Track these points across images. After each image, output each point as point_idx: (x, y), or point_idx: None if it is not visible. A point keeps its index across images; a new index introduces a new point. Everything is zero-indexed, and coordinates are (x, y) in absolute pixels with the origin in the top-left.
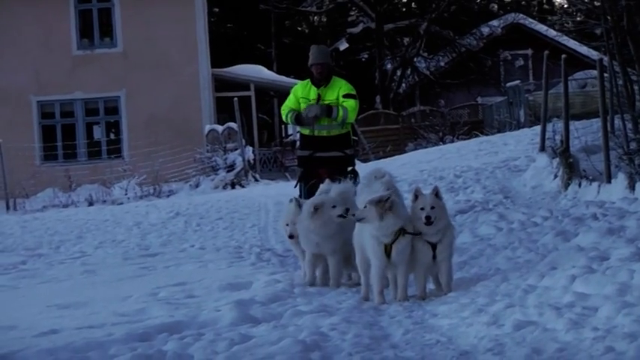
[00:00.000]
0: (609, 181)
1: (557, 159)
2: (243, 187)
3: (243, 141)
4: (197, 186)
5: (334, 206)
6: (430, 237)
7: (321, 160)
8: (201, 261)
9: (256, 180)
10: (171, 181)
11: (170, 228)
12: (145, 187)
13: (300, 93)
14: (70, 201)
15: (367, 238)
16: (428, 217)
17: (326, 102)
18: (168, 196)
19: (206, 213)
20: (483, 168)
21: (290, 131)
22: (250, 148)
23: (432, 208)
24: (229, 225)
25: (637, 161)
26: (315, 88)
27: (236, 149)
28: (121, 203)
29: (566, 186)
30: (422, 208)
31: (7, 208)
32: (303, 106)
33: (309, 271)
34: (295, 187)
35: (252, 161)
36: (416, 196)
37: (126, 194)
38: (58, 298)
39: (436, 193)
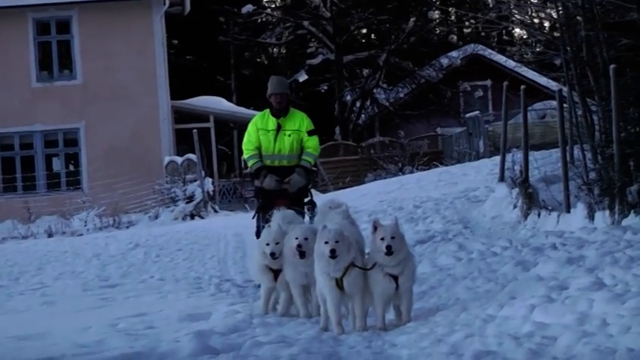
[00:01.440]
0: (568, 211)
1: (517, 189)
2: (202, 218)
3: (203, 172)
4: (156, 217)
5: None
6: (392, 269)
7: (280, 191)
8: (161, 292)
9: (215, 211)
10: (131, 213)
11: (129, 259)
12: (105, 219)
13: (260, 124)
14: (30, 232)
15: (318, 272)
16: (388, 247)
17: (286, 131)
18: (127, 227)
19: (165, 244)
20: (443, 198)
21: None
22: (210, 180)
23: (393, 238)
24: (189, 256)
25: (596, 191)
26: (275, 119)
27: (195, 180)
28: (81, 234)
29: (526, 216)
30: (382, 239)
31: None
32: (263, 138)
33: (300, 301)
34: (253, 218)
35: (211, 192)
36: (375, 227)
37: (85, 225)
38: (17, 329)
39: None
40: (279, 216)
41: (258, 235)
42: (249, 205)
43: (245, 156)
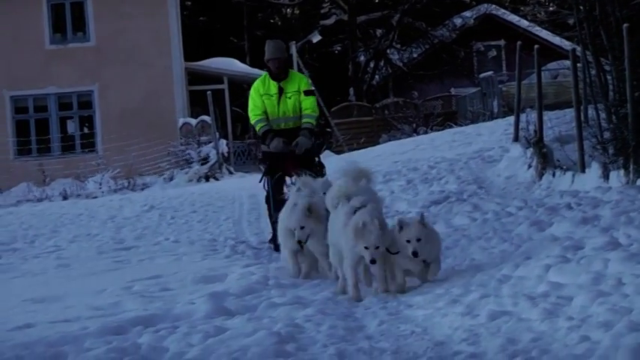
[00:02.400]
0: (583, 171)
1: (531, 149)
2: (217, 179)
3: (217, 134)
4: (171, 179)
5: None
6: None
7: (287, 154)
8: (176, 254)
9: (230, 173)
10: (145, 175)
11: (144, 221)
12: (119, 181)
13: (262, 90)
14: (44, 195)
15: (344, 242)
16: (414, 254)
17: (288, 94)
18: (142, 189)
19: (180, 206)
20: (457, 159)
21: None
22: (224, 141)
23: (418, 240)
24: (203, 218)
25: (610, 151)
26: (276, 83)
27: (210, 142)
28: (95, 197)
29: (540, 176)
30: (408, 241)
31: None
32: (267, 102)
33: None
34: (260, 181)
35: (226, 154)
36: (400, 227)
37: (100, 188)
38: (32, 292)
39: (422, 222)
40: (303, 184)
41: (267, 200)
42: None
43: (252, 121)
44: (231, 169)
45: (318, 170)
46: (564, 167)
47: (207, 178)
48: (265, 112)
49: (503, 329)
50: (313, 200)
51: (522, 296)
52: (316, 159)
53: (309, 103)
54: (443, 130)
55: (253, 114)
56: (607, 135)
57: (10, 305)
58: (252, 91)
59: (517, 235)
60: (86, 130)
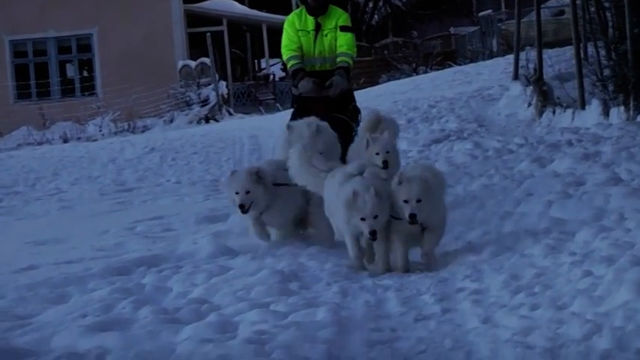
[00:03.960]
0: (583, 108)
1: (531, 87)
2: (217, 121)
3: (217, 76)
4: (171, 121)
5: None
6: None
7: (318, 98)
8: (178, 195)
9: (230, 114)
10: (146, 117)
11: (145, 163)
12: (120, 124)
13: (298, 25)
14: (45, 139)
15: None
16: (412, 216)
17: (325, 32)
18: (142, 131)
19: (181, 148)
20: (457, 98)
21: (263, 65)
22: (224, 83)
23: (419, 201)
24: (205, 159)
25: (610, 87)
26: (313, 18)
27: (209, 84)
28: (96, 140)
29: (541, 113)
30: (405, 201)
31: None
32: (303, 39)
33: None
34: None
35: (225, 96)
36: (400, 182)
37: (100, 131)
38: (35, 234)
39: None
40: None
41: None
42: (263, 107)
43: (285, 57)
44: (231, 110)
45: (353, 116)
46: (564, 105)
47: (207, 120)
48: (301, 49)
49: (506, 265)
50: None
51: (525, 232)
52: (351, 103)
53: (345, 40)
54: (442, 69)
55: (287, 49)
56: (607, 72)
57: (13, 247)
58: (286, 26)
59: (518, 171)
60: (85, 74)
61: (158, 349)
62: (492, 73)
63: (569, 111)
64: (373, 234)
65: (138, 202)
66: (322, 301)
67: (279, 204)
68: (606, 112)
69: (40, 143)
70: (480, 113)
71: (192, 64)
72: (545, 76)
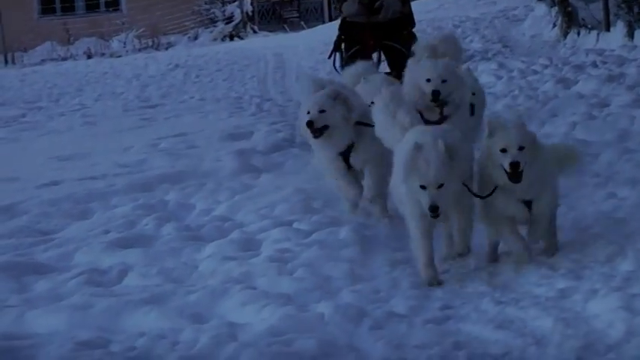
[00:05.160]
0: (608, 30)
1: (556, 8)
2: (241, 38)
3: None
4: (196, 38)
5: None
6: (522, 193)
7: (366, 24)
8: (202, 112)
9: (255, 32)
10: (170, 34)
11: (169, 80)
12: (144, 40)
13: None
14: (69, 54)
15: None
16: (514, 165)
17: None
18: (166, 48)
19: (205, 65)
20: (482, 18)
21: None
22: (248, 0)
23: (521, 149)
24: (229, 76)
25: (636, 9)
26: None
27: (234, 1)
28: (120, 56)
29: (565, 35)
30: (503, 150)
31: (6, 62)
32: None
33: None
34: (330, 57)
35: (250, 13)
36: (491, 132)
37: (124, 47)
38: (58, 149)
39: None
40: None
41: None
42: (288, 25)
43: None
44: (256, 28)
45: (409, 44)
46: (589, 26)
47: (231, 38)
48: None
49: None
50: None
51: None
52: (407, 28)
53: None
54: None
55: None
56: None
57: (37, 163)
58: None
59: (543, 92)
60: None
61: (180, 266)
62: None
63: (594, 32)
64: (434, 209)
65: (161, 118)
66: (345, 220)
67: (368, 139)
68: (631, 34)
69: (64, 59)
70: (504, 34)
71: None
72: None
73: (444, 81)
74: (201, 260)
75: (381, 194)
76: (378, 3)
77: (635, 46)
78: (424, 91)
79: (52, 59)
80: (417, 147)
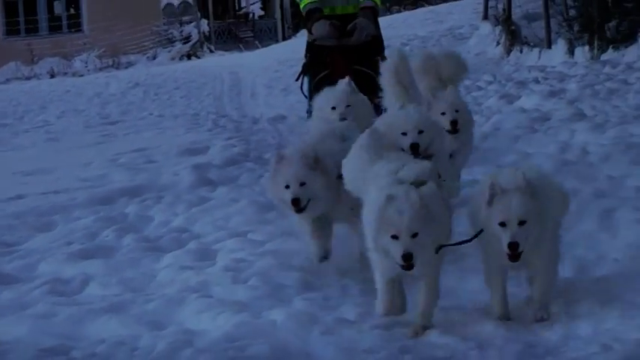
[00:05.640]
0: (549, 47)
1: (500, 26)
2: (198, 57)
3: (199, 14)
4: (154, 57)
5: None
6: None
7: (337, 45)
8: (160, 128)
9: (211, 51)
10: (130, 53)
11: (129, 98)
12: (105, 60)
13: None
14: (33, 74)
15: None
16: (513, 247)
17: None
18: (126, 67)
19: (164, 83)
20: (429, 36)
21: (243, 4)
22: (205, 21)
23: (521, 223)
24: (186, 94)
25: (576, 28)
26: None
27: (191, 22)
28: (82, 75)
29: (509, 52)
30: (502, 224)
31: None
32: None
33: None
34: (297, 80)
35: (207, 33)
36: (491, 195)
37: (86, 66)
38: (23, 165)
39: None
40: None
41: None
42: (243, 45)
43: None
44: (212, 47)
45: (379, 69)
46: (531, 44)
47: (189, 57)
48: None
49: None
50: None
51: (491, 166)
52: (379, 53)
53: None
54: (415, 9)
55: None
56: (572, 12)
57: (1, 177)
58: None
59: (487, 107)
60: (72, 11)
61: (139, 275)
62: (463, 13)
63: (536, 50)
64: (407, 261)
65: (121, 134)
66: (297, 231)
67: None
68: (571, 51)
69: (28, 78)
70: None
71: (176, 2)
72: (513, 16)
73: (420, 132)
74: (160, 270)
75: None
76: (351, 25)
77: (576, 63)
78: (401, 146)
79: (17, 78)
80: (389, 197)
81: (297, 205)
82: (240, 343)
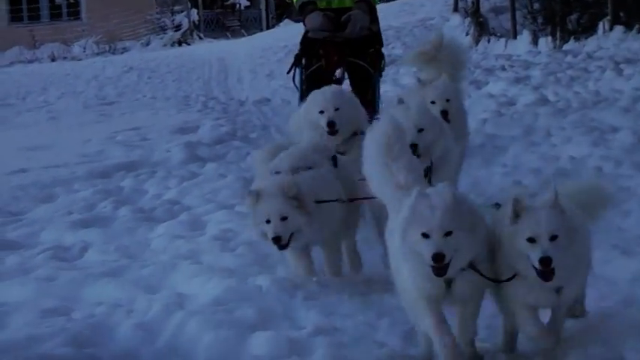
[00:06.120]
0: (515, 37)
1: (469, 18)
2: (188, 44)
3: (189, 3)
4: (148, 44)
5: None
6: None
7: (331, 37)
8: (153, 109)
9: (200, 39)
10: (125, 40)
11: (124, 81)
12: (102, 45)
13: None
14: (35, 57)
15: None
16: (546, 262)
17: None
18: (122, 53)
19: (156, 67)
20: (403, 27)
21: None
22: (195, 10)
23: (554, 238)
24: (177, 77)
25: (540, 20)
26: None
27: (182, 11)
28: (80, 59)
29: (477, 42)
30: (531, 240)
31: None
32: None
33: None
34: (288, 73)
35: (196, 22)
36: (516, 212)
37: (84, 51)
38: (26, 141)
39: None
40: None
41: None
42: (230, 33)
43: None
44: (201, 35)
45: (375, 62)
46: (498, 34)
47: (179, 43)
48: None
49: None
50: None
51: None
52: (374, 46)
53: None
54: (390, 1)
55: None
56: (536, 6)
57: (6, 153)
58: None
59: None
60: (72, 0)
61: (135, 243)
62: (434, 5)
63: (503, 40)
64: (439, 259)
65: (117, 114)
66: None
67: (323, 215)
68: (535, 41)
69: (30, 61)
70: (423, 41)
71: None
72: (481, 9)
73: (420, 130)
74: (153, 238)
75: (340, 269)
76: (345, 16)
77: (539, 52)
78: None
79: (20, 62)
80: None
81: (279, 242)
82: (228, 306)
